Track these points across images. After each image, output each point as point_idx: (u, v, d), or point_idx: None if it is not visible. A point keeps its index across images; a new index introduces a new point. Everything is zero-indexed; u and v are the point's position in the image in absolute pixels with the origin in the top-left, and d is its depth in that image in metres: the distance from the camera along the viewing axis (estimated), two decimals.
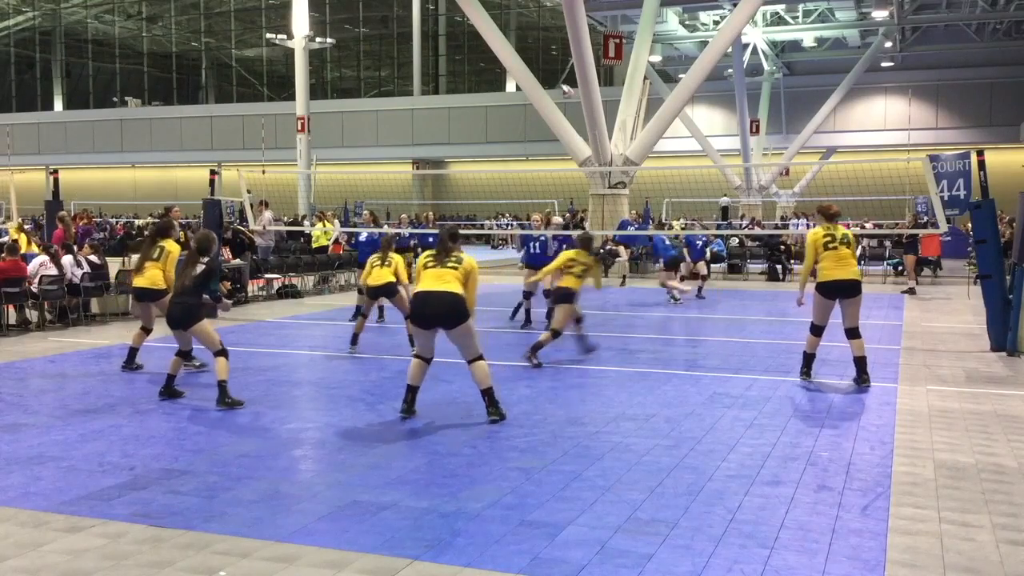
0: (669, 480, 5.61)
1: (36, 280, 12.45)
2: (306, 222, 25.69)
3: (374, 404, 7.87)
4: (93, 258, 13.69)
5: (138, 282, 9.35)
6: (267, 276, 17.82)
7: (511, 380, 8.96)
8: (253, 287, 17.28)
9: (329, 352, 10.93)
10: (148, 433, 6.79)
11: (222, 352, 7.76)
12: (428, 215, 38.84)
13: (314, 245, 20.89)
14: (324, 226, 21.78)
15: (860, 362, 8.61)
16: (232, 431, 6.87)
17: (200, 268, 7.89)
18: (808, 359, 8.98)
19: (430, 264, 7.08)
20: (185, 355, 8.36)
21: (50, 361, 10.14)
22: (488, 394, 7.19)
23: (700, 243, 18.06)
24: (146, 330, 9.54)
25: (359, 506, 5.10)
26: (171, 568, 4.24)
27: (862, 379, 8.59)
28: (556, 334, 9.78)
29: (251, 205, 18.38)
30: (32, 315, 12.96)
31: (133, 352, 9.53)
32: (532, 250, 13.61)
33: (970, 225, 12.82)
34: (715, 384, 8.78)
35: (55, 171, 22.88)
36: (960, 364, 10.00)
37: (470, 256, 7.23)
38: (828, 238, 8.57)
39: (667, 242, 16.50)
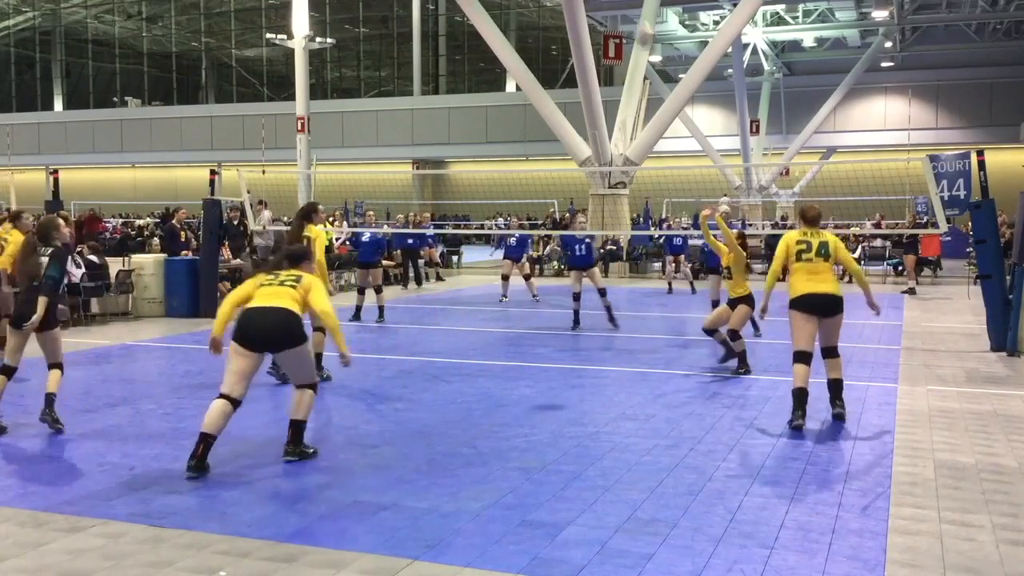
0: (669, 480, 5.61)
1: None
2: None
3: (374, 404, 7.87)
4: (93, 258, 13.69)
5: None
6: None
7: (511, 380, 8.96)
8: None
9: (329, 352, 10.91)
10: (148, 433, 6.79)
11: (58, 365, 7.05)
12: (425, 215, 38.77)
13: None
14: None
15: (835, 386, 7.33)
16: (232, 431, 6.85)
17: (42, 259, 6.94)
18: (799, 397, 7.03)
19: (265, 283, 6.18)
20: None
21: None
22: (296, 426, 6.14)
23: (679, 241, 19.14)
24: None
25: (359, 506, 5.10)
26: (171, 568, 4.24)
27: (836, 406, 7.27)
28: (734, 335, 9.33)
29: (251, 205, 18.37)
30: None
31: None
32: (510, 245, 17.22)
33: (970, 225, 12.81)
34: (715, 384, 8.78)
35: (55, 171, 22.89)
36: (960, 364, 9.99)
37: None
38: (802, 246, 7.29)
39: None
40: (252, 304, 6.05)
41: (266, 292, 6.07)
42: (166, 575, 4.18)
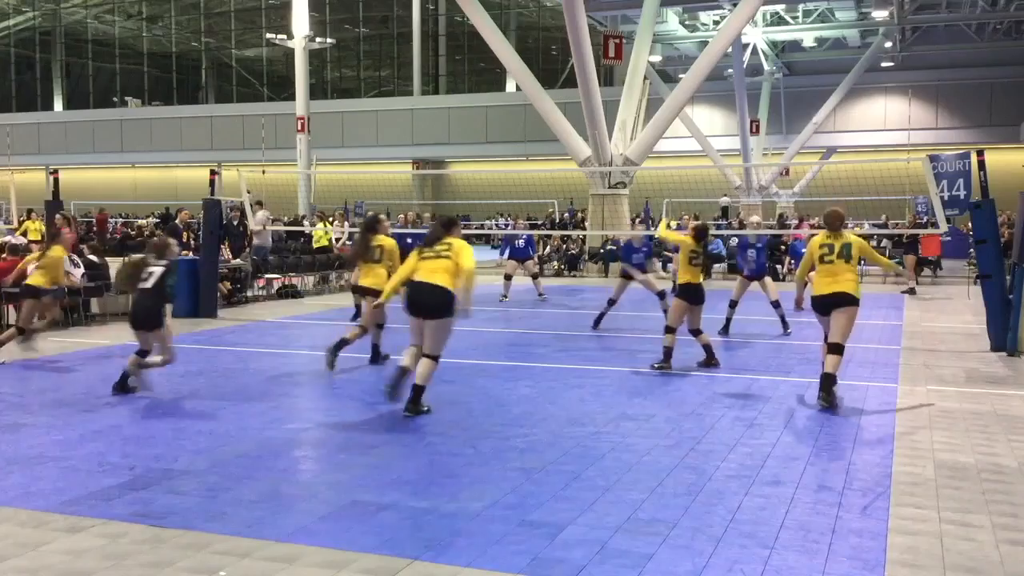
0: (669, 480, 5.61)
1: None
2: (306, 222, 25.69)
3: (374, 404, 7.87)
4: (92, 258, 13.68)
5: (364, 282, 9.53)
6: (267, 276, 17.83)
7: (511, 380, 8.96)
8: (255, 287, 17.28)
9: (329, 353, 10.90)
10: (148, 433, 6.79)
11: (171, 359, 8.31)
12: (426, 215, 38.75)
13: (315, 245, 20.89)
14: (324, 226, 21.78)
15: (826, 380, 7.65)
16: (232, 431, 6.87)
17: (158, 270, 8.18)
18: (824, 380, 7.73)
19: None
20: (142, 354, 8.27)
21: (50, 361, 10.14)
22: (418, 390, 7.31)
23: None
24: (380, 326, 9.69)
25: (359, 506, 5.10)
26: (171, 568, 4.24)
27: (822, 397, 7.61)
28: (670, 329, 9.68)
29: (251, 205, 18.38)
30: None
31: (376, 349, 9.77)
32: (517, 246, 17.14)
33: (970, 225, 12.81)
34: (715, 384, 8.78)
35: (55, 171, 22.90)
36: (960, 364, 9.99)
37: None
38: (824, 250, 7.89)
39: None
40: (416, 277, 7.22)
41: (427, 266, 7.20)
42: (166, 575, 4.18)
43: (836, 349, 7.71)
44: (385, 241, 9.49)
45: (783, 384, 8.76)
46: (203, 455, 6.16)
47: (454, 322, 7.30)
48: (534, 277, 17.66)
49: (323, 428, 7.07)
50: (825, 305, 7.80)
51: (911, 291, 18.41)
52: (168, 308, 7.91)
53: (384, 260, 9.42)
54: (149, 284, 8.08)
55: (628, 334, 12.50)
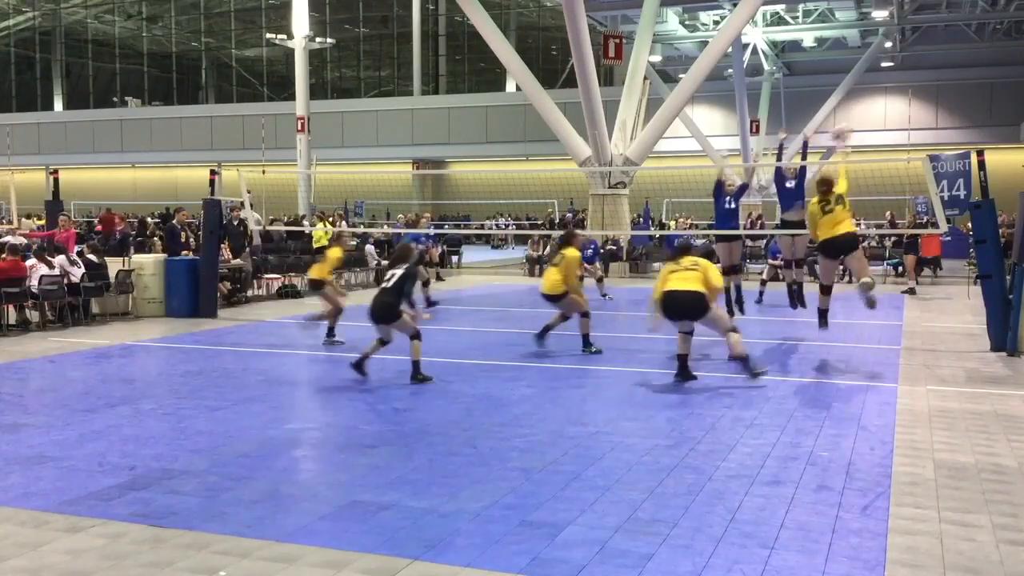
0: (669, 480, 5.61)
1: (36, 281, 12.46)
2: (305, 222, 25.69)
3: (374, 404, 7.87)
4: (92, 258, 13.69)
5: (545, 289, 10.61)
6: (267, 276, 17.82)
7: (511, 380, 8.97)
8: (255, 287, 17.28)
9: (330, 352, 10.92)
10: (148, 433, 6.79)
11: (417, 335, 8.73)
12: (426, 215, 38.75)
13: (315, 245, 20.88)
14: (325, 226, 21.78)
15: (823, 315, 10.33)
16: (232, 431, 6.87)
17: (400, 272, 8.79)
18: (820, 312, 10.37)
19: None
20: (383, 344, 8.88)
21: (50, 361, 10.14)
22: (743, 360, 8.65)
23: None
24: (566, 317, 10.80)
25: (359, 506, 5.10)
26: (171, 568, 4.24)
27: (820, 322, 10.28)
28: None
29: (251, 205, 18.37)
30: (32, 315, 12.96)
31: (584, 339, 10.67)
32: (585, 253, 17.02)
33: (970, 225, 12.81)
34: (715, 384, 8.78)
35: (55, 171, 22.89)
36: (960, 364, 9.99)
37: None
38: (823, 204, 9.75)
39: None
40: (668, 287, 8.56)
41: (678, 277, 8.52)
42: (166, 575, 4.18)
43: (863, 285, 9.57)
44: (570, 253, 10.56)
45: (783, 384, 8.76)
46: (203, 455, 6.16)
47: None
48: (599, 280, 18.64)
49: (323, 428, 7.07)
50: (835, 247, 9.66)
51: (911, 291, 18.40)
52: (404, 304, 8.66)
53: (563, 267, 10.52)
54: (390, 284, 8.66)
55: (628, 334, 12.50)
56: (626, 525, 4.80)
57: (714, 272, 8.79)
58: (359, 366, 8.87)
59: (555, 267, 10.53)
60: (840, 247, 9.71)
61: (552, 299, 10.60)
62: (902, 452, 6.27)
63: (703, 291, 8.44)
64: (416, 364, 8.70)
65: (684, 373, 8.82)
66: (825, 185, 9.92)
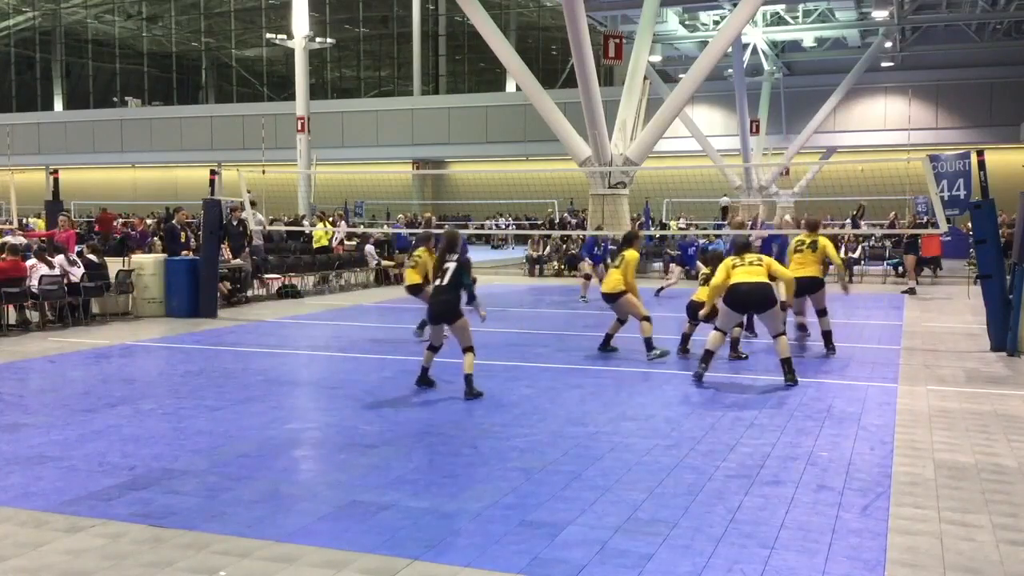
0: (669, 480, 5.61)
1: (36, 281, 12.46)
2: (305, 222, 25.70)
3: (374, 404, 7.87)
4: (92, 258, 13.69)
5: (604, 288, 10.69)
6: (267, 276, 17.82)
7: (511, 380, 8.97)
8: (255, 287, 17.28)
9: (330, 352, 10.93)
10: (148, 433, 6.79)
11: (471, 348, 8.26)
12: (426, 215, 38.77)
13: (315, 245, 20.90)
14: (324, 226, 21.80)
15: (828, 336, 10.67)
16: (232, 431, 6.87)
17: (452, 265, 8.29)
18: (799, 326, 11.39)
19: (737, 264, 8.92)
20: (435, 350, 8.53)
21: (50, 361, 10.14)
22: (787, 363, 8.76)
23: (692, 251, 19.47)
24: (622, 322, 10.82)
25: (359, 506, 5.10)
26: (171, 568, 4.24)
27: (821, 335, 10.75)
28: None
29: (252, 204, 18.38)
30: (32, 315, 12.96)
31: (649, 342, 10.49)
32: (597, 254, 17.82)
33: (970, 225, 12.80)
34: (715, 384, 8.78)
35: (55, 171, 22.90)
36: (960, 364, 9.99)
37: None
38: (800, 243, 10.97)
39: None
40: (735, 281, 8.72)
41: (742, 271, 8.75)
42: (166, 575, 4.18)
43: (825, 312, 10.74)
44: (629, 255, 10.78)
45: (783, 384, 8.76)
46: (203, 455, 6.16)
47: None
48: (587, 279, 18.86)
49: (323, 428, 7.07)
50: (800, 288, 10.15)
51: (911, 291, 18.40)
52: (464, 299, 8.28)
53: (623, 268, 10.69)
54: (446, 280, 8.21)
55: (627, 334, 12.48)
56: (626, 525, 4.80)
57: (778, 265, 9.21)
58: (422, 380, 8.54)
59: (616, 268, 10.64)
60: (804, 288, 10.49)
61: (610, 298, 10.54)
62: (902, 452, 6.28)
63: (769, 283, 8.80)
64: (468, 378, 8.14)
65: (704, 363, 8.88)
66: (813, 227, 11.14)
